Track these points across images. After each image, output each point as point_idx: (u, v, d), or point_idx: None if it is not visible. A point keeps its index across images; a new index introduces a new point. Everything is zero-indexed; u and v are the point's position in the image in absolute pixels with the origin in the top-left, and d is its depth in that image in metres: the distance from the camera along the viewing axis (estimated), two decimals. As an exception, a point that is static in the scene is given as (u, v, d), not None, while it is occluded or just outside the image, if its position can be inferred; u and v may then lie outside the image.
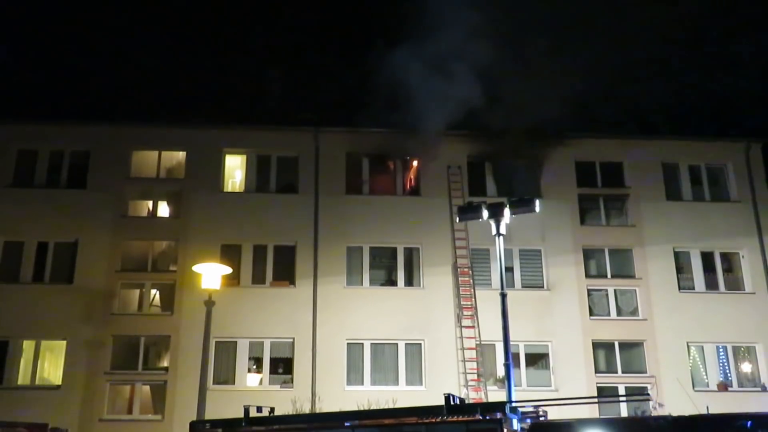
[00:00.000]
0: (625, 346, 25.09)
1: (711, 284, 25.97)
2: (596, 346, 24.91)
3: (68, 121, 26.50)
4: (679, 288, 25.64)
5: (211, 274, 17.34)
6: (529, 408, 11.06)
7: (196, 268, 17.80)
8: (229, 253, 24.16)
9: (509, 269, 24.19)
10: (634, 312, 25.52)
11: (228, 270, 18.17)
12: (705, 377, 24.87)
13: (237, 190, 26.71)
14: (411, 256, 25.64)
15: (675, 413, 10.63)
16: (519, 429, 10.06)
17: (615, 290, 25.81)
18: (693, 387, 23.93)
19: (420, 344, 24.35)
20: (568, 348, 24.49)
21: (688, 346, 24.92)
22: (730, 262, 26.40)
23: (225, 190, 26.42)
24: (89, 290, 24.28)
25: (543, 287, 25.32)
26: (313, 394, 22.97)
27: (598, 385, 23.96)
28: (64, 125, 26.31)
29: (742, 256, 26.17)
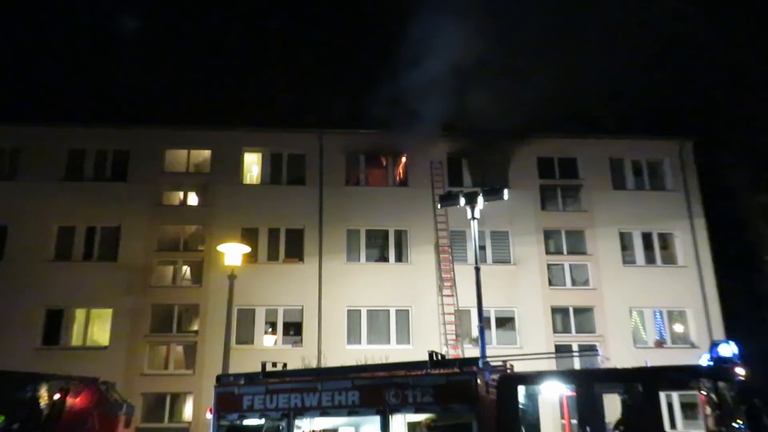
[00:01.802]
0: (578, 310, 25.23)
1: (650, 259, 26.10)
2: (554, 311, 25.05)
3: (111, 124, 26.34)
4: (623, 262, 25.76)
5: (233, 252, 17.37)
6: (498, 362, 11.15)
7: (221, 247, 17.83)
8: (248, 235, 24.15)
9: (482, 247, 24.21)
10: (586, 282, 25.65)
11: (247, 249, 18.20)
12: (644, 336, 25.05)
13: (254, 182, 26.66)
14: (400, 237, 25.67)
15: (619, 366, 10.72)
16: (490, 380, 10.13)
17: (570, 265, 25.91)
18: (634, 344, 24.22)
19: (408, 310, 24.44)
20: (531, 313, 24.61)
21: (631, 311, 25.08)
22: (665, 240, 26.51)
23: (244, 182, 26.36)
24: (131, 267, 24.28)
25: (510, 262, 25.39)
26: (319, 351, 23.09)
27: (556, 343, 24.13)
28: (108, 128, 26.17)
29: (676, 236, 26.29)
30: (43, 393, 14.97)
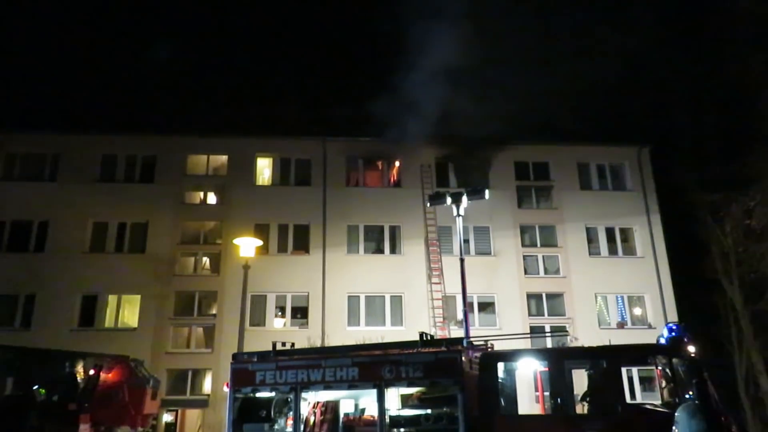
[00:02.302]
0: (550, 296, 25.23)
1: (612, 251, 26.10)
2: (529, 296, 25.04)
3: (140, 132, 26.25)
4: (589, 254, 25.77)
5: (247, 245, 17.30)
6: (480, 342, 11.13)
7: (236, 241, 17.75)
8: (260, 230, 24.06)
9: (466, 241, 24.25)
10: (557, 271, 25.66)
11: (260, 242, 18.09)
12: (608, 318, 25.08)
13: (266, 183, 26.54)
14: (394, 231, 25.63)
15: (586, 344, 10.72)
16: (473, 357, 10.12)
17: (543, 256, 25.90)
18: (599, 326, 24.26)
19: (401, 296, 24.40)
20: (509, 298, 24.63)
21: (596, 296, 25.10)
22: (626, 234, 26.51)
23: (257, 184, 26.26)
24: (157, 258, 24.20)
25: (491, 254, 25.38)
26: (323, 332, 23.04)
27: (531, 324, 24.08)
28: (137, 136, 26.07)
29: (635, 230, 26.31)
30: (80, 369, 14.95)
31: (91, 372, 14.98)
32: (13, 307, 23.32)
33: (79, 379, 14.97)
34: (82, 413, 14.14)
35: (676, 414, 8.37)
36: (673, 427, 8.18)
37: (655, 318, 24.52)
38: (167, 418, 22.97)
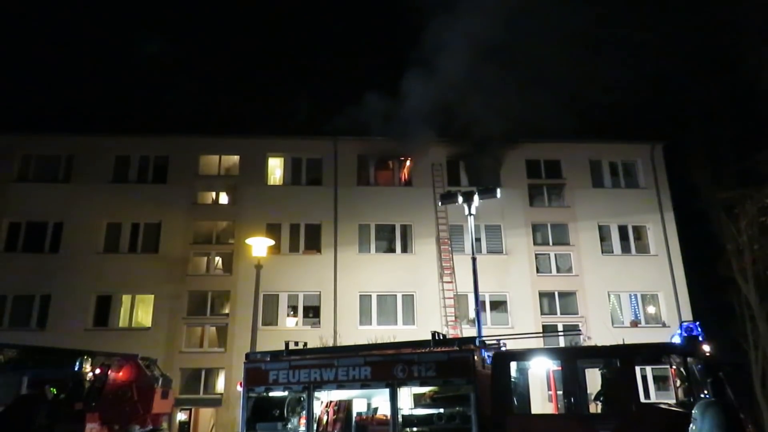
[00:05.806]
0: (563, 294, 25.11)
1: (625, 249, 25.95)
2: (541, 295, 24.94)
3: (152, 133, 26.43)
4: (602, 252, 25.63)
5: (259, 245, 17.37)
6: (492, 341, 11.09)
7: (248, 241, 17.84)
8: (272, 230, 24.16)
9: (478, 239, 24.21)
10: (569, 270, 25.53)
11: (272, 242, 18.17)
12: (621, 317, 24.93)
13: (277, 183, 26.62)
14: (405, 230, 25.62)
15: (599, 344, 10.65)
16: (485, 356, 10.09)
17: (555, 254, 25.79)
18: (612, 324, 24.06)
19: (413, 295, 24.39)
20: (521, 297, 24.53)
21: (609, 294, 24.95)
22: (639, 232, 26.35)
23: (268, 183, 26.35)
24: (170, 258, 24.36)
25: (502, 252, 25.30)
26: (335, 332, 23.05)
27: (543, 323, 24.01)
28: (150, 137, 26.26)
29: (648, 228, 26.13)
30: (87, 368, 14.95)
31: (98, 371, 14.99)
32: (28, 307, 23.60)
33: (86, 378, 14.99)
34: (89, 412, 14.16)
35: (693, 411, 8.29)
36: (691, 425, 8.10)
37: (669, 316, 24.31)
38: (181, 417, 23.09)
